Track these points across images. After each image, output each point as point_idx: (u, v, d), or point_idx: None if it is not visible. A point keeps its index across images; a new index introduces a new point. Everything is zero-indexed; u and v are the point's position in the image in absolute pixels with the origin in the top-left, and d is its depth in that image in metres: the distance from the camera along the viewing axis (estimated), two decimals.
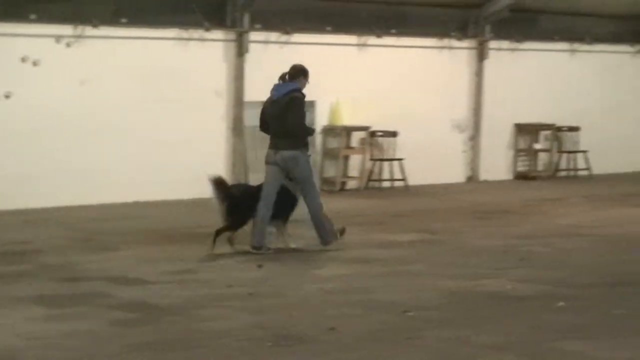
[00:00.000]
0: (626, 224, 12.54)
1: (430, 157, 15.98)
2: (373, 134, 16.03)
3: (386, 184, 16.13)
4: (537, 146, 18.11)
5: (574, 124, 18.16)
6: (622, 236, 11.62)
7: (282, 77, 10.53)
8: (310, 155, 10.74)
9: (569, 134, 18.27)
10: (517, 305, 7.99)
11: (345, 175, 15.98)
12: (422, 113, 16.30)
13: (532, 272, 9.39)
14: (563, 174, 18.31)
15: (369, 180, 16.13)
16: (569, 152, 18.31)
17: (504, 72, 17.33)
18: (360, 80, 15.75)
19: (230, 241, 10.43)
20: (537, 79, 17.86)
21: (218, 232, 10.27)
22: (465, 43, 17.06)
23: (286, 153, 10.40)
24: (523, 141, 18.03)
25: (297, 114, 10.38)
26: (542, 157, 18.28)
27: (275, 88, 10.51)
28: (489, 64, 17.23)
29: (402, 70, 16.29)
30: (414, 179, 15.93)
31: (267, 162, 10.56)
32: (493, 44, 17.28)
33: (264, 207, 10.35)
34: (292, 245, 10.54)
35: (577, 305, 7.96)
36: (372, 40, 15.95)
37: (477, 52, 17.20)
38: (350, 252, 10.37)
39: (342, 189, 15.79)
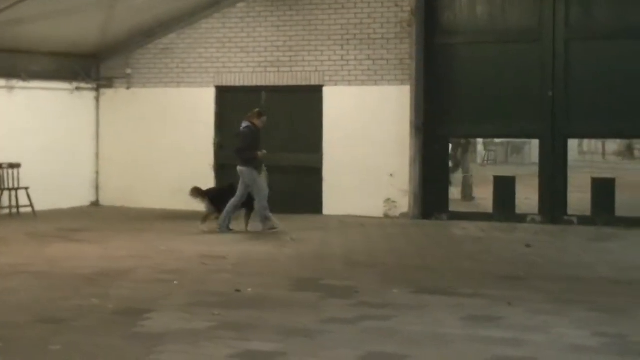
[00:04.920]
0: (65, 260, 12.67)
1: None
2: None
3: None
4: None
5: (14, 161, 18.03)
6: (59, 272, 11.71)
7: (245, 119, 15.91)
8: (255, 170, 15.65)
9: (10, 170, 18.09)
10: None
11: None
12: None
13: None
14: (5, 211, 18.06)
15: None
16: (11, 189, 18.11)
17: None
18: None
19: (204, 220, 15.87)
20: None
21: (205, 218, 15.94)
22: None
23: (239, 168, 15.62)
24: None
25: (241, 141, 15.68)
26: None
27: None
28: None
29: None
30: None
31: None
32: None
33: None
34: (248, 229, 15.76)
35: (14, 346, 7.87)
36: None
37: None
38: None
39: None
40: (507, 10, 17.62)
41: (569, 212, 17.25)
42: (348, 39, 18.20)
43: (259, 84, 18.89)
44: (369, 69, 18.07)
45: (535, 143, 19.01)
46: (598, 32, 17.05)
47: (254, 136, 15.78)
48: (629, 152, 39.75)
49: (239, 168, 15.63)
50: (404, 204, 17.79)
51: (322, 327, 8.63)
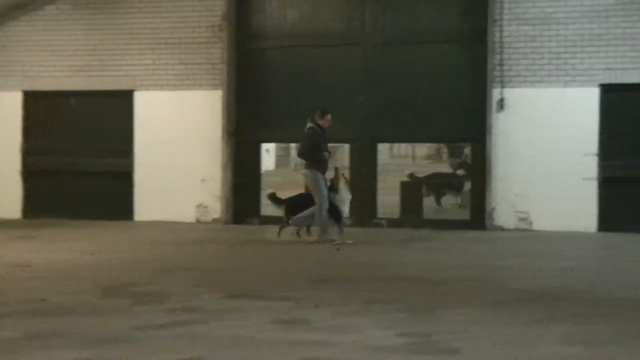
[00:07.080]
0: None
1: None
2: None
3: None
4: None
5: None
6: None
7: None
8: (319, 172, 14.72)
9: None
10: None
11: None
12: None
13: None
14: None
15: None
16: None
17: None
18: None
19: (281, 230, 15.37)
20: None
21: (281, 227, 15.39)
22: None
23: (303, 171, 15.10)
24: None
25: (303, 143, 14.87)
26: None
27: None
28: None
29: None
30: None
31: None
32: None
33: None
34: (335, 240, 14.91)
35: None
36: None
37: None
38: None
39: None
40: (317, 14, 17.89)
41: (379, 215, 17.62)
42: (159, 43, 18.10)
43: (68, 88, 18.53)
44: (180, 74, 18.01)
45: (346, 147, 19.33)
46: (406, 37, 17.48)
47: (317, 138, 14.90)
48: (438, 156, 40.95)
49: (303, 171, 15.10)
50: (216, 209, 17.80)
51: (132, 333, 8.54)
